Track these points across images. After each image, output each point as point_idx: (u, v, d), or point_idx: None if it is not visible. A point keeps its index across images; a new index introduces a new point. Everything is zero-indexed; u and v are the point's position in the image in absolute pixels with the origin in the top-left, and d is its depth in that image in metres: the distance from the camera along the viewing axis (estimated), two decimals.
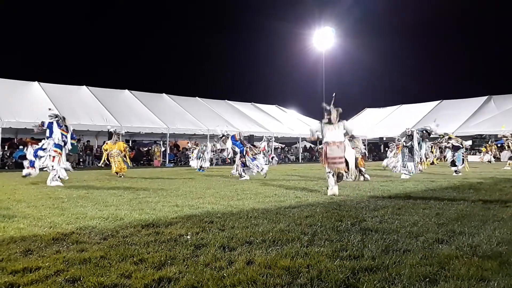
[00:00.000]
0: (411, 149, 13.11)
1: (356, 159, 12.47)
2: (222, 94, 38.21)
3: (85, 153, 25.40)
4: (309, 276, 2.76)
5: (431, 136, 14.34)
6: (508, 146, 20.63)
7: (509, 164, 19.43)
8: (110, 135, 16.49)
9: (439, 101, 41.15)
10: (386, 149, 34.06)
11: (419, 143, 13.28)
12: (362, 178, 11.77)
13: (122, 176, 14.17)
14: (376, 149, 42.52)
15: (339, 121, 8.07)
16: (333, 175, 7.90)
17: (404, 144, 13.37)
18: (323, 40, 47.30)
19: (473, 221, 4.71)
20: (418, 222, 4.68)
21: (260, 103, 39.36)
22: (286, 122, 35.96)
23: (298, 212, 5.58)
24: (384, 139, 40.52)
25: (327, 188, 7.95)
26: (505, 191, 8.06)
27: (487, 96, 38.28)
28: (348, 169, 8.06)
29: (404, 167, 13.06)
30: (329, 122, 8.07)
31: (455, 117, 35.92)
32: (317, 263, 3.04)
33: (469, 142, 31.21)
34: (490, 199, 6.77)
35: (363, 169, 12.04)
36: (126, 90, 30.85)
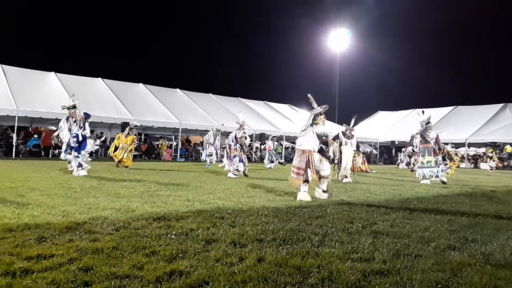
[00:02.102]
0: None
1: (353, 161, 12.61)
2: (236, 92, 38.26)
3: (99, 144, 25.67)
4: (320, 277, 2.76)
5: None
6: None
7: None
8: (123, 127, 16.90)
9: (453, 107, 40.70)
10: (398, 153, 33.87)
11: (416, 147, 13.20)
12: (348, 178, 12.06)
13: (125, 168, 14.56)
14: (388, 152, 42.19)
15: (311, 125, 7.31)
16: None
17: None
18: (339, 41, 47.17)
19: (486, 229, 4.65)
20: (430, 228, 4.64)
21: (273, 102, 39.34)
22: (298, 121, 35.87)
23: (309, 212, 5.57)
24: (396, 142, 40.21)
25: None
26: None
27: (503, 104, 37.73)
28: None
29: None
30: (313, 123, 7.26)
31: (469, 123, 35.54)
32: (328, 264, 3.04)
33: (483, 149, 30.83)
34: (503, 208, 6.68)
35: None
36: (141, 84, 31.09)
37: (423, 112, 13.26)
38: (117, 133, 17.07)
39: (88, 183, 8.41)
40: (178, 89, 33.17)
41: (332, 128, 27.45)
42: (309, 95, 7.36)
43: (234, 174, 12.27)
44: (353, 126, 13.16)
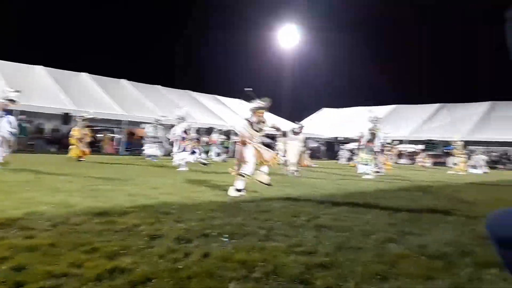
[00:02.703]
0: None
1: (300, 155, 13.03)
2: (185, 85, 37.62)
3: (36, 136, 24.32)
4: (265, 271, 2.78)
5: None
6: (455, 153, 21.70)
7: (454, 169, 20.46)
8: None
9: (395, 106, 42.60)
10: (340, 148, 35.02)
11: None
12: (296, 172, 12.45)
13: (81, 160, 14.31)
14: (332, 148, 43.43)
15: None
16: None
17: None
18: (288, 37, 47.76)
19: (422, 223, 4.91)
20: (371, 221, 4.82)
21: (225, 96, 39.17)
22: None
23: (255, 206, 5.60)
24: (340, 138, 41.53)
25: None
26: (452, 195, 8.47)
27: (440, 104, 40.04)
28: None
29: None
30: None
31: (408, 121, 37.36)
32: (273, 258, 3.06)
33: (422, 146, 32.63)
34: (437, 202, 7.08)
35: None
36: (84, 73, 29.79)
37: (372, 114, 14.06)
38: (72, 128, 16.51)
39: (25, 177, 7.94)
40: (123, 80, 32.13)
41: (280, 123, 27.81)
42: (246, 89, 7.44)
43: (184, 167, 12.17)
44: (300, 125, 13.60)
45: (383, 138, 15.00)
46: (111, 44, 61.76)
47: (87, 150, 15.33)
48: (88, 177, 8.52)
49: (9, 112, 10.36)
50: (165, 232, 3.76)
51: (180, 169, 12.11)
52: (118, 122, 27.51)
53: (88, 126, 16.11)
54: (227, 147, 28.87)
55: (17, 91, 10.76)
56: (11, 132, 10.28)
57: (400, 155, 34.32)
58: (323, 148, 41.84)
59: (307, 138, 13.68)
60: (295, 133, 13.19)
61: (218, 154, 20.61)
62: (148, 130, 19.30)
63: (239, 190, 6.84)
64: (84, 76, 29.56)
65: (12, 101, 10.40)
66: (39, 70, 27.02)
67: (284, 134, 13.31)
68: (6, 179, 7.36)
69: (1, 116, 10.18)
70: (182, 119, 13.44)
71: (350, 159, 31.04)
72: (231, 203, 5.78)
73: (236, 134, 9.86)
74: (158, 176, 9.75)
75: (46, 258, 2.84)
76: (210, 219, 4.48)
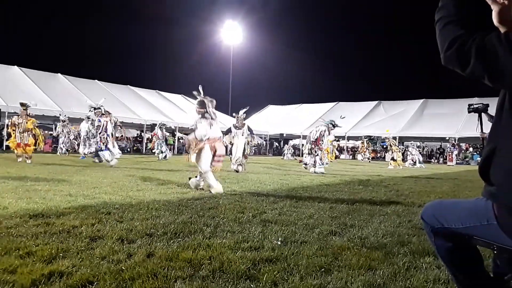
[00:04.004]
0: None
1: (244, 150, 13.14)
2: (125, 79, 36.39)
3: None
4: (211, 268, 2.76)
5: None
6: (391, 147, 22.79)
7: (391, 164, 21.50)
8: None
9: (335, 103, 44.01)
10: (285, 145, 35.66)
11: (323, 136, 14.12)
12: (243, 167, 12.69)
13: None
14: (277, 144, 44.13)
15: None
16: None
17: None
18: (232, 33, 47.72)
19: (362, 215, 5.11)
20: (314, 215, 4.94)
21: (167, 91, 38.41)
22: (192, 112, 35.53)
23: (201, 203, 5.55)
24: (285, 135, 42.28)
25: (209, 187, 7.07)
26: (390, 188, 8.90)
27: (377, 101, 41.87)
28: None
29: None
30: (204, 116, 7.32)
31: (348, 118, 38.66)
32: (219, 255, 3.05)
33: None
34: (376, 195, 7.41)
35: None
36: (15, 66, 27.96)
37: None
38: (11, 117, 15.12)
39: None
40: (59, 74, 30.56)
41: (225, 120, 27.76)
42: (200, 86, 7.43)
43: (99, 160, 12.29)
44: (244, 118, 13.60)
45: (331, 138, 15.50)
46: (47, 38, 58.50)
47: (30, 143, 13.70)
48: (22, 177, 8.02)
49: None
50: (107, 232, 3.63)
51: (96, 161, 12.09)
52: (55, 119, 26.11)
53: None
54: (171, 144, 28.38)
55: None
56: None
57: (341, 150, 35.52)
58: (263, 143, 42.31)
59: (252, 133, 13.70)
60: (238, 127, 13.22)
61: (161, 151, 20.12)
62: (83, 127, 18.31)
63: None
64: (16, 69, 27.76)
65: None
66: None
67: (227, 132, 13.28)
68: None
69: None
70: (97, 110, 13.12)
71: (294, 154, 31.67)
72: (176, 201, 5.69)
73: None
74: (99, 175, 9.38)
75: None
76: (154, 218, 4.38)
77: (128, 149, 29.90)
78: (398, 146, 22.64)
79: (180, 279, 2.57)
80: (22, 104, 14.11)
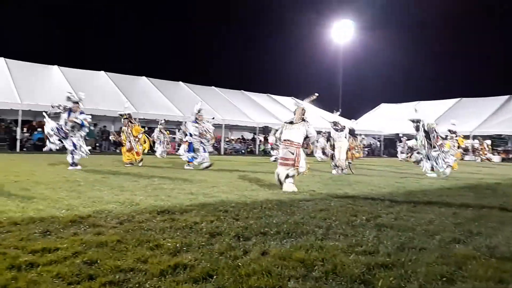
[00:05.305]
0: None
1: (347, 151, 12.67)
2: (238, 85, 38.00)
3: (102, 138, 25.75)
4: (324, 270, 2.76)
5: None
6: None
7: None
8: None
9: (458, 99, 40.42)
10: (398, 144, 33.79)
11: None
12: (345, 170, 12.28)
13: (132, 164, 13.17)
14: (392, 145, 42.03)
15: (302, 121, 7.91)
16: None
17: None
18: (342, 33, 46.88)
19: (491, 222, 4.63)
20: (434, 221, 4.62)
21: (277, 94, 39.20)
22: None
23: (312, 205, 5.56)
24: (400, 135, 40.05)
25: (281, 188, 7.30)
26: None
27: (508, 96, 37.44)
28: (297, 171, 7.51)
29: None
30: (291, 122, 7.96)
31: (474, 115, 35.26)
32: (332, 257, 3.03)
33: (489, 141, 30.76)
34: (507, 200, 6.65)
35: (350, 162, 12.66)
36: (144, 76, 31.06)
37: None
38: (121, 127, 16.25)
39: (92, 177, 8.43)
40: (181, 82, 33.12)
41: (339, 121, 27.31)
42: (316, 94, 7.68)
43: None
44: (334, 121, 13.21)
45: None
46: (168, 49, 63.90)
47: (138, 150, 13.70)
48: (150, 176, 8.88)
49: (81, 112, 10.99)
50: (224, 229, 3.84)
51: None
52: (178, 124, 28.37)
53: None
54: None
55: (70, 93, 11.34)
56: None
57: (465, 151, 32.53)
58: (378, 144, 40.60)
59: (366, 135, 13.28)
60: (339, 130, 12.83)
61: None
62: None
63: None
64: (144, 79, 30.83)
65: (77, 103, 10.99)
66: (102, 76, 28.51)
67: (328, 137, 13.05)
68: (77, 179, 7.85)
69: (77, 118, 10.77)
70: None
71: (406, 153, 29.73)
72: (288, 202, 5.78)
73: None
74: (216, 176, 9.94)
75: (114, 253, 3.00)
76: (268, 217, 4.50)
77: (243, 151, 31.23)
78: None
79: (294, 278, 2.61)
80: (121, 115, 14.32)
